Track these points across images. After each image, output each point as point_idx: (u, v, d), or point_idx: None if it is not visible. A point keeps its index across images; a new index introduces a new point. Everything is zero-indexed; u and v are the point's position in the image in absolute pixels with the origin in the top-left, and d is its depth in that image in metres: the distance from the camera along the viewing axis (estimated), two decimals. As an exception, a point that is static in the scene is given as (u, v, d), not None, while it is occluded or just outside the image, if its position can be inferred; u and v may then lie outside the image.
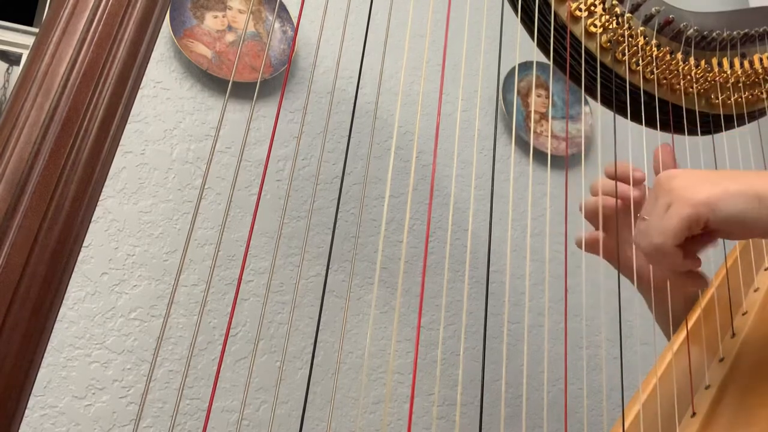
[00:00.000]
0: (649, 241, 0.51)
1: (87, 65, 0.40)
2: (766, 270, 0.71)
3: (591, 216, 0.71)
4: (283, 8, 1.13)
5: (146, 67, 0.44)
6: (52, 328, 0.38)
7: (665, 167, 0.67)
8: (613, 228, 0.69)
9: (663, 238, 0.50)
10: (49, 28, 0.40)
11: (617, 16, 0.70)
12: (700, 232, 0.50)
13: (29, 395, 0.37)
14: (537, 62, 1.29)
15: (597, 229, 0.70)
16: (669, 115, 0.71)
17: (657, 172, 0.68)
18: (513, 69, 1.28)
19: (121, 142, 0.42)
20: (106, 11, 0.41)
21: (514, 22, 0.71)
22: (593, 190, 0.71)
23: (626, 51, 0.69)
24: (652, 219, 0.51)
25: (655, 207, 0.51)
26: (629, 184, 0.69)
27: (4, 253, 0.36)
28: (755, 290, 0.67)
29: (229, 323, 0.64)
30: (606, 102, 0.72)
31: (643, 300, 0.74)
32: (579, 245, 0.70)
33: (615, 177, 0.70)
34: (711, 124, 0.74)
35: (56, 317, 0.38)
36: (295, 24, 1.12)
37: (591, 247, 0.71)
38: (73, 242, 0.38)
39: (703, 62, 0.73)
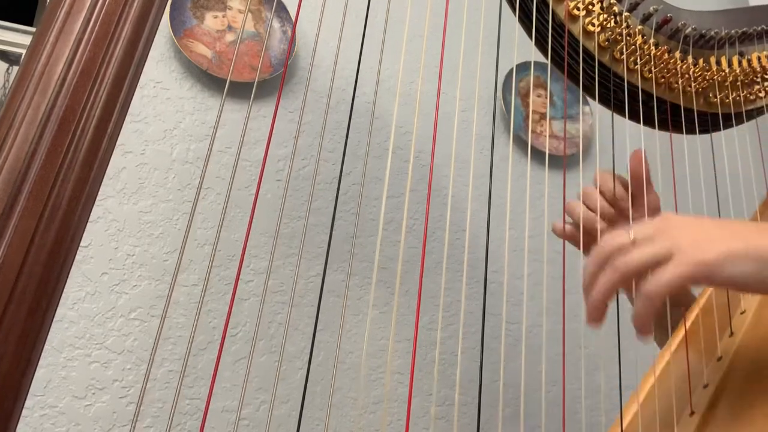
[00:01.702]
0: (631, 272, 0.50)
1: (84, 64, 0.40)
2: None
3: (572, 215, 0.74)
4: (282, 8, 1.12)
5: (143, 66, 0.44)
6: (50, 328, 0.38)
7: (636, 175, 0.69)
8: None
9: (656, 287, 0.48)
10: (46, 27, 0.40)
11: (615, 15, 0.70)
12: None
13: (26, 395, 0.37)
14: (537, 62, 1.29)
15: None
16: (667, 114, 0.71)
17: (633, 176, 0.70)
18: (512, 69, 1.28)
19: (121, 142, 0.42)
20: (103, 10, 0.41)
21: (512, 21, 0.71)
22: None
23: (624, 50, 0.69)
24: (643, 252, 0.50)
25: (651, 244, 0.50)
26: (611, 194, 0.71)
27: (1, 253, 0.36)
28: (754, 289, 0.67)
29: (227, 323, 0.64)
30: (604, 101, 0.72)
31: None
32: (556, 232, 0.73)
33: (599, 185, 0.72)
34: (709, 122, 0.74)
35: (53, 317, 0.38)
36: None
37: (570, 237, 0.74)
38: (70, 242, 0.39)
39: (701, 61, 0.73)
